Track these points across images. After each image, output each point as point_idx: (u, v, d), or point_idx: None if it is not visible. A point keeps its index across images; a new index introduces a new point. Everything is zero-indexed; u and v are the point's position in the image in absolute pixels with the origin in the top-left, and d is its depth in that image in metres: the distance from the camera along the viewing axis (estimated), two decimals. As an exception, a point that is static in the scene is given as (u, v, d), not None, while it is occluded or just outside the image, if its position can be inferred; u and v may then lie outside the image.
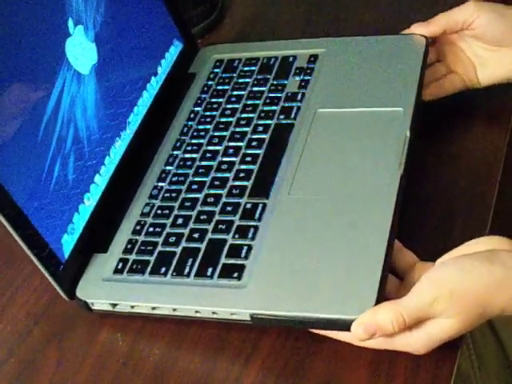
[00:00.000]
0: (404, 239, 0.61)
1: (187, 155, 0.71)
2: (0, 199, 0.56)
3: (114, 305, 0.61)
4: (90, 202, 0.65)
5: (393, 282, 0.59)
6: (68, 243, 0.62)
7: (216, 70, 0.80)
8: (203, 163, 0.69)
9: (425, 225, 0.65)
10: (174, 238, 0.63)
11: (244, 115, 0.73)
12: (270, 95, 0.74)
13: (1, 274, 0.70)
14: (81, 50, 0.66)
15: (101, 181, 0.67)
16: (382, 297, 0.55)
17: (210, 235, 0.62)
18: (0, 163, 0.57)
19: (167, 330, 0.61)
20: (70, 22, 0.65)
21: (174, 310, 0.59)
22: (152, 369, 0.59)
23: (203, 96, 0.77)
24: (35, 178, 0.60)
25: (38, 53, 0.61)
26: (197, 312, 0.58)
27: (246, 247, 0.60)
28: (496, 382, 0.73)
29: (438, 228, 0.65)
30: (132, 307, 0.60)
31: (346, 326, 0.54)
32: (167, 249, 0.63)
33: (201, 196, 0.66)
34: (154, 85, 0.76)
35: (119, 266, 0.63)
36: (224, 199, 0.65)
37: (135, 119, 0.72)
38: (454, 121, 0.74)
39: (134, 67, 0.73)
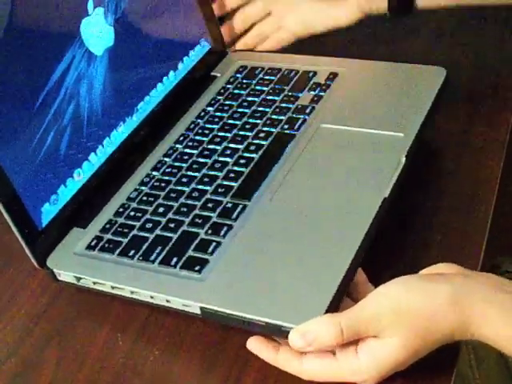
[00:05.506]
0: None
1: (187, 150, 0.72)
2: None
3: (79, 279, 0.62)
4: (81, 177, 0.67)
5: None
6: (48, 212, 0.63)
7: (237, 75, 0.80)
8: (199, 159, 0.70)
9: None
10: (150, 225, 0.64)
11: (251, 120, 0.73)
12: (281, 105, 0.75)
13: (1, 273, 0.70)
14: (97, 31, 0.68)
15: (96, 160, 0.68)
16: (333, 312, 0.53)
17: (184, 227, 0.63)
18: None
19: (167, 330, 0.61)
20: (90, 3, 0.67)
21: (132, 292, 0.59)
22: (152, 369, 0.59)
23: (218, 97, 0.78)
24: (24, 142, 0.61)
25: (51, 24, 0.64)
26: (152, 298, 0.59)
27: (214, 243, 0.60)
28: (495, 382, 0.71)
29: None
30: (94, 283, 0.61)
31: (284, 332, 0.53)
32: (141, 234, 0.63)
33: (187, 189, 0.67)
34: (172, 79, 0.77)
35: (92, 243, 0.63)
36: (208, 195, 0.65)
37: (145, 108, 0.74)
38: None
39: (151, 58, 0.75)
